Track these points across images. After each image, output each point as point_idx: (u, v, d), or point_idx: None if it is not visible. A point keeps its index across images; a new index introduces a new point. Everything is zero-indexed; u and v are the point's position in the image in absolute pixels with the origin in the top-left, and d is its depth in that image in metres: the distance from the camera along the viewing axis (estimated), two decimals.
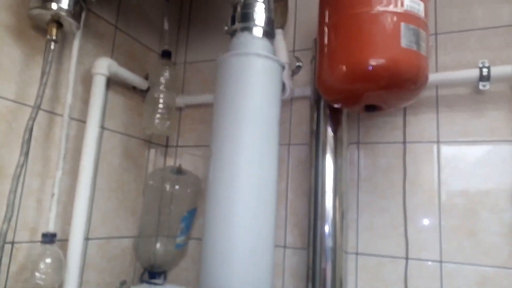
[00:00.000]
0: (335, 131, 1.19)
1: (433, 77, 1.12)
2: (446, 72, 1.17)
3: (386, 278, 1.19)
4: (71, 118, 1.15)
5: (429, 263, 1.16)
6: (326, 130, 1.17)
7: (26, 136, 0.97)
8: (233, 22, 1.07)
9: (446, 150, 1.19)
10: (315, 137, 1.20)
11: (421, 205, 1.19)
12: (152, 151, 1.50)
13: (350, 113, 1.26)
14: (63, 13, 1.01)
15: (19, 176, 0.95)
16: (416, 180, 1.20)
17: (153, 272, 1.42)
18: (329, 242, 1.12)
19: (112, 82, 1.30)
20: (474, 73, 1.11)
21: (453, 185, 1.17)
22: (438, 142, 1.20)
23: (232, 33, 1.07)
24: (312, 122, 1.22)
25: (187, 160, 1.51)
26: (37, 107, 0.99)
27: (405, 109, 1.25)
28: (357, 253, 1.24)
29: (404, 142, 1.23)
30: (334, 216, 1.13)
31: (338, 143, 1.17)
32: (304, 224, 1.31)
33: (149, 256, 1.37)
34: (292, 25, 1.46)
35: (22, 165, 0.95)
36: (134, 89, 1.38)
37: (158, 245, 1.37)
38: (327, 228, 1.13)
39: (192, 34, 1.64)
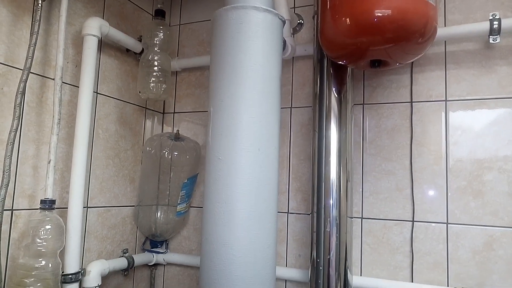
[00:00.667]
0: (339, 92, 1.14)
1: (441, 31, 1.07)
2: (455, 26, 1.12)
3: (392, 241, 1.18)
4: (64, 82, 1.10)
5: (435, 225, 1.14)
6: (330, 91, 1.13)
7: (18, 100, 0.93)
8: None
9: (454, 109, 1.15)
10: (319, 98, 1.15)
11: (427, 167, 1.16)
12: (149, 117, 1.46)
13: (355, 72, 1.21)
14: None
15: (13, 141, 0.91)
16: (423, 141, 1.17)
17: (155, 241, 1.41)
18: (333, 207, 1.10)
19: (104, 44, 1.25)
20: (484, 26, 1.05)
21: (461, 145, 1.13)
22: (446, 100, 1.16)
23: None
24: (315, 83, 1.18)
25: (185, 128, 1.48)
26: (28, 69, 0.94)
27: (412, 67, 1.20)
28: (362, 217, 1.22)
29: (411, 102, 1.19)
30: (339, 180, 1.10)
31: (343, 104, 1.13)
32: (307, 189, 1.28)
33: (150, 225, 1.36)
34: None
35: (15, 130, 0.92)
36: (127, 51, 1.33)
37: (158, 214, 1.36)
38: (331, 193, 1.10)
39: None
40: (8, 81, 0.98)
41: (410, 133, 1.18)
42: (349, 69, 1.15)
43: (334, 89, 1.14)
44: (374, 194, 1.21)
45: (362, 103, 1.25)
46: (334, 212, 1.09)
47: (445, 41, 1.15)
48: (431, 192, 1.15)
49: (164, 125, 1.52)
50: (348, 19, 0.92)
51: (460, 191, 1.12)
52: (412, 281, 1.14)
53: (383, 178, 1.21)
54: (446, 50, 1.17)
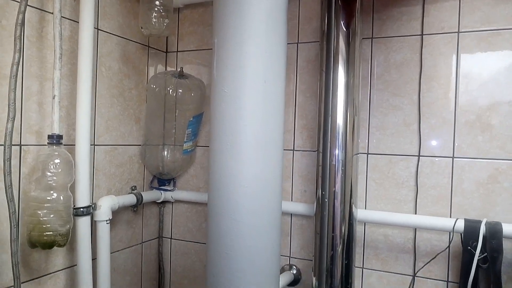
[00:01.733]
0: (347, 26, 1.10)
1: None
2: None
3: (397, 176, 1.19)
4: (63, 17, 1.07)
5: (441, 159, 1.14)
6: (338, 25, 1.09)
7: (18, 32, 0.90)
8: None
9: (467, 41, 1.11)
10: (326, 33, 1.11)
11: (436, 101, 1.14)
12: (152, 57, 1.43)
13: (364, 4, 1.16)
14: None
15: (16, 75, 0.90)
16: (433, 75, 1.14)
17: (162, 179, 1.43)
18: (339, 143, 1.10)
19: None
20: None
21: (473, 79, 1.11)
22: (458, 32, 1.12)
23: None
24: (322, 17, 1.13)
25: (189, 67, 1.45)
26: (25, 0, 0.91)
27: None
28: (368, 153, 1.22)
29: (422, 34, 1.15)
30: (345, 116, 1.09)
31: (351, 39, 1.09)
32: (314, 126, 1.28)
33: (157, 164, 1.37)
34: None
35: (18, 63, 0.90)
36: None
37: (165, 153, 1.37)
38: (337, 129, 1.10)
39: None
40: (6, 13, 0.95)
41: (419, 67, 1.16)
42: (358, 1, 1.11)
43: (342, 22, 1.09)
44: (381, 130, 1.21)
45: (371, 37, 1.21)
46: (340, 148, 1.09)
47: None
48: (438, 127, 1.14)
49: (167, 65, 1.49)
50: None
51: (468, 125, 1.11)
52: (416, 214, 1.16)
53: (390, 113, 1.19)
54: None
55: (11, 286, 0.94)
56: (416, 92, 1.16)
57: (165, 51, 1.49)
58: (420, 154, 1.16)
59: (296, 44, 1.30)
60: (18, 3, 0.94)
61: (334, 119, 1.10)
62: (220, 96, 0.94)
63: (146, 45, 1.39)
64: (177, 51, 1.47)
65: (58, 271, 1.11)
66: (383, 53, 1.20)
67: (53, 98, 0.99)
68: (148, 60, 1.41)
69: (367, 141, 1.22)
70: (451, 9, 1.12)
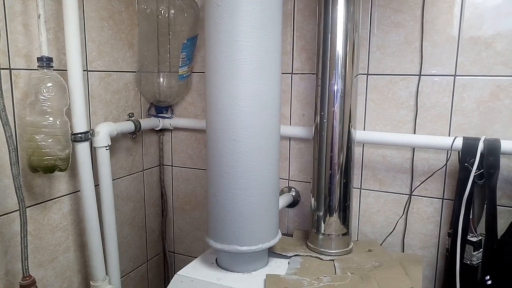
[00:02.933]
0: None
1: None
2: None
3: (397, 96, 1.17)
4: None
5: (443, 77, 1.11)
6: None
7: None
8: None
9: None
10: None
11: (440, 16, 1.09)
12: None
13: None
14: None
15: None
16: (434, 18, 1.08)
17: (160, 106, 1.41)
18: (339, 62, 1.06)
19: None
20: None
21: None
22: None
23: None
24: None
25: None
26: None
27: None
28: (367, 73, 1.19)
29: None
30: (345, 36, 1.05)
31: None
32: (313, 47, 1.23)
33: (153, 90, 1.35)
34: None
35: None
36: None
37: (161, 79, 1.33)
38: (336, 48, 1.06)
39: None
40: None
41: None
42: None
43: None
44: (382, 49, 1.17)
45: None
46: (339, 70, 1.07)
47: None
48: (441, 44, 1.10)
49: None
50: None
51: (472, 41, 1.07)
52: (415, 133, 1.16)
53: (392, 31, 1.15)
54: None
55: (16, 210, 0.97)
56: (419, 7, 1.11)
57: None
58: (421, 73, 1.13)
59: None
60: None
61: (333, 39, 1.06)
62: (215, 11, 0.89)
63: None
64: None
65: (62, 196, 1.14)
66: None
67: (38, 17, 0.95)
68: None
69: (367, 61, 1.19)
70: None
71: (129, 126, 1.27)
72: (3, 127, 0.87)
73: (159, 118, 1.41)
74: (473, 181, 1.02)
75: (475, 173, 1.01)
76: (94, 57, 1.19)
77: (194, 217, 1.54)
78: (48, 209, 1.10)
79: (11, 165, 0.89)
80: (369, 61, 1.19)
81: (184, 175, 1.51)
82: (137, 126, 1.29)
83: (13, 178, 0.90)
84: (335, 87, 1.07)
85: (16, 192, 0.91)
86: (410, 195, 1.20)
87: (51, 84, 0.94)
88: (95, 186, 1.12)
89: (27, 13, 0.98)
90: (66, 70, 1.03)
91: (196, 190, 1.51)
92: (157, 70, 1.32)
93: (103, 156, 1.14)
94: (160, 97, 1.35)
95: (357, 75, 1.11)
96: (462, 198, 1.03)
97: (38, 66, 0.95)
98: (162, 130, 1.47)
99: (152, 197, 1.51)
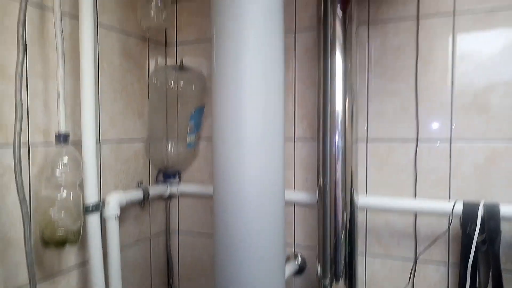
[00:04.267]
0: (344, 10, 1.10)
1: None
2: None
3: (396, 162, 1.21)
4: (63, 14, 1.07)
5: (439, 143, 1.17)
6: (334, 10, 1.09)
7: (20, 31, 0.91)
8: None
9: (463, 22, 1.13)
10: (323, 18, 1.12)
11: (433, 85, 1.17)
12: (152, 50, 1.44)
13: None
14: None
15: (21, 74, 0.91)
16: (429, 58, 1.16)
17: (167, 173, 1.45)
18: (339, 131, 1.12)
19: None
20: None
21: (469, 59, 1.13)
22: (454, 13, 1.13)
23: None
24: (318, 1, 1.14)
25: (189, 60, 1.46)
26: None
27: None
28: (367, 140, 1.25)
29: (417, 16, 1.16)
30: (344, 104, 1.11)
31: (347, 24, 1.10)
32: (313, 115, 1.30)
33: (162, 158, 1.39)
34: None
35: (22, 63, 0.91)
36: None
37: (169, 147, 1.39)
38: (336, 117, 1.12)
39: None
40: (7, 13, 0.95)
41: (416, 50, 1.17)
42: None
43: (338, 7, 1.10)
44: (379, 116, 1.23)
45: (368, 21, 1.22)
46: (339, 136, 1.11)
47: None
48: (435, 111, 1.17)
49: (167, 57, 1.50)
50: None
51: (465, 108, 1.14)
52: (415, 198, 1.20)
53: (388, 99, 1.22)
54: None
55: (26, 284, 0.97)
56: (413, 77, 1.18)
57: (164, 43, 1.49)
58: (418, 139, 1.19)
59: (293, 33, 1.31)
60: (19, 3, 0.94)
61: (333, 106, 1.12)
62: (221, 88, 0.96)
63: (145, 38, 1.40)
64: (177, 43, 1.48)
65: (71, 269, 1.14)
66: (380, 38, 1.21)
67: (58, 96, 1.01)
68: (148, 53, 1.42)
69: (366, 127, 1.25)
70: None
71: (138, 194, 1.30)
72: (20, 203, 0.90)
73: (167, 185, 1.45)
74: (476, 247, 1.03)
75: (477, 238, 1.03)
76: (107, 128, 1.25)
77: (200, 285, 1.52)
78: (57, 284, 1.10)
79: (25, 241, 0.91)
80: (368, 127, 1.24)
81: (190, 241, 1.52)
82: (146, 194, 1.32)
83: (26, 254, 0.91)
84: (336, 155, 1.12)
85: (28, 269, 0.91)
86: (415, 261, 1.20)
87: (66, 160, 0.98)
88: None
89: (48, 91, 1.05)
90: (81, 142, 1.08)
91: (202, 257, 1.51)
92: (166, 138, 1.38)
93: (113, 226, 1.16)
94: (168, 164, 1.40)
95: (357, 141, 1.16)
96: (467, 265, 1.04)
97: (55, 142, 1.00)
98: (170, 196, 1.50)
99: (159, 265, 1.51)
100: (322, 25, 1.12)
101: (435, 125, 1.17)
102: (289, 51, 1.31)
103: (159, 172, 1.46)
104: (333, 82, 1.11)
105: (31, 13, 1.00)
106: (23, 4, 0.91)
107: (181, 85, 1.33)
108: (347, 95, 1.11)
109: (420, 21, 1.17)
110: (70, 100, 1.11)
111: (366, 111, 1.24)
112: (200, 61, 1.45)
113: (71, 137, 1.08)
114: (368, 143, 1.25)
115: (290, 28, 1.31)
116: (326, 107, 1.13)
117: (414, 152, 1.19)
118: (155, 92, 1.35)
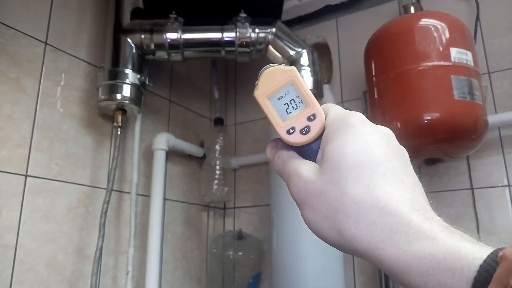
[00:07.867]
0: None
1: (493, 119, 1.08)
2: (506, 112, 1.13)
3: None
4: (137, 194, 1.21)
5: None
6: None
7: (103, 220, 1.03)
8: None
9: None
10: None
11: None
12: (211, 215, 1.53)
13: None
14: (126, 101, 1.10)
15: (99, 259, 1.00)
16: (492, 229, 1.14)
17: None
18: None
19: (170, 153, 1.37)
20: None
21: None
22: (509, 186, 1.14)
23: None
24: None
25: (246, 222, 1.52)
26: (110, 191, 1.06)
27: (467, 155, 1.20)
28: None
29: (472, 188, 1.18)
30: None
31: None
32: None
33: None
34: (337, 76, 1.48)
35: (101, 248, 1.01)
36: (189, 156, 1.45)
37: None
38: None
39: (240, 97, 1.69)
40: (92, 201, 1.10)
41: (475, 220, 1.15)
42: None
43: None
44: None
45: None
46: None
47: (498, 127, 1.15)
48: None
49: (225, 220, 1.58)
50: (398, 123, 0.97)
51: None
52: None
53: None
54: (501, 135, 1.17)
55: None
56: None
57: (223, 208, 1.59)
58: None
59: None
60: (102, 189, 1.09)
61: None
62: (282, 271, 0.98)
63: (205, 205, 1.51)
64: (235, 208, 1.57)
65: None
66: (435, 208, 1.21)
67: (127, 274, 1.08)
68: (208, 219, 1.51)
69: None
70: (497, 164, 1.16)
71: None
72: None
73: None
74: None
75: None
76: None
77: None
78: None
79: None
80: None
81: None
82: None
83: None
84: None
85: None
86: None
87: None
88: None
89: (117, 267, 1.13)
90: None
91: None
92: None
93: None
94: None
95: None
96: None
97: None
98: None
99: None
100: None
101: None
102: None
103: None
104: None
105: (111, 197, 1.15)
106: (107, 196, 1.05)
107: (239, 255, 1.37)
108: None
109: (475, 192, 1.17)
110: (136, 272, 1.18)
111: None
112: (256, 223, 1.50)
113: None
114: None
115: None
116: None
117: None
118: (214, 261, 1.39)
